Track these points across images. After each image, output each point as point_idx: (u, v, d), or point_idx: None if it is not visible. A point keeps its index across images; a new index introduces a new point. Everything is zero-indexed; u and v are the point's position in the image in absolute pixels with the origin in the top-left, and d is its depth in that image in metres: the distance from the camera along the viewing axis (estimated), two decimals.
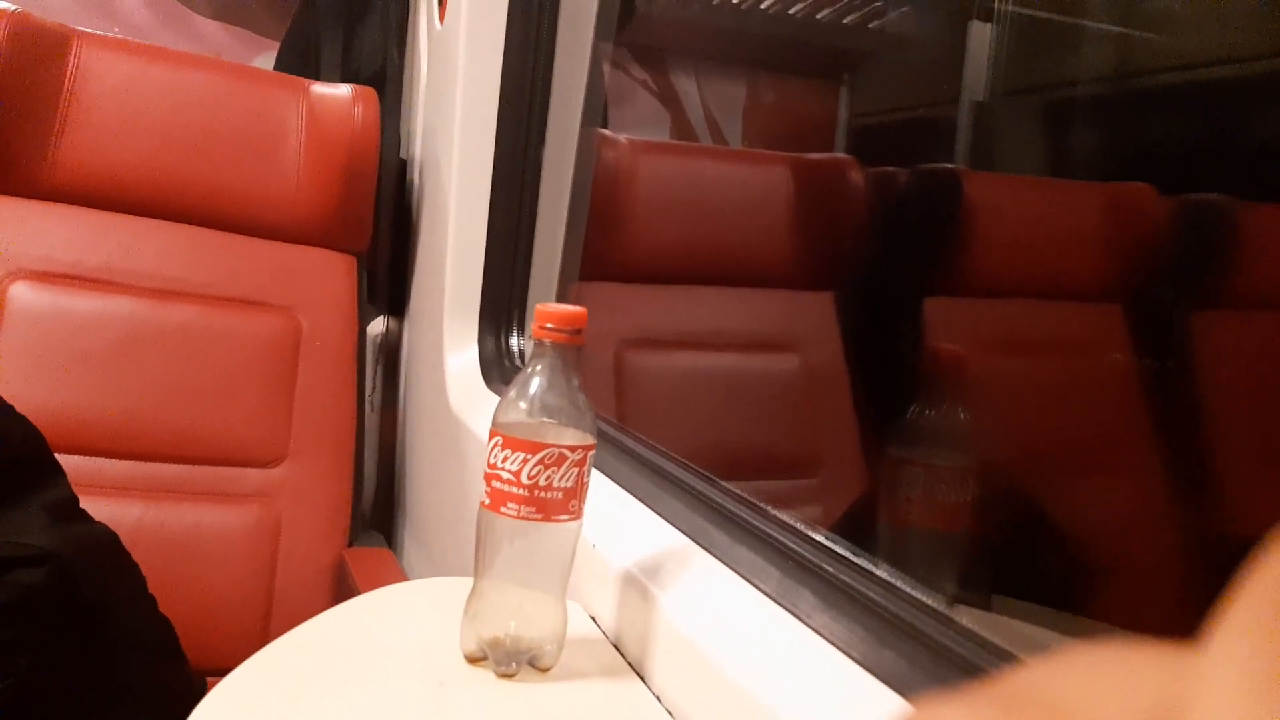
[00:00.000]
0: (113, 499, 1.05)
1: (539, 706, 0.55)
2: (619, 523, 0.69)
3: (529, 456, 0.55)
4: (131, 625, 0.81)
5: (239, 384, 1.15)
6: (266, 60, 1.75)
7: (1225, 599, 0.11)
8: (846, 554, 0.55)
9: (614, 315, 1.24)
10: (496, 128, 1.12)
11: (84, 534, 0.79)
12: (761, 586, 0.56)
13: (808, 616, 0.52)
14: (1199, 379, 0.93)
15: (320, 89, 1.28)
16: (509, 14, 1.10)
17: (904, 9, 1.72)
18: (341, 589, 1.11)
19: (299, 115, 1.25)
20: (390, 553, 1.18)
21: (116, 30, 1.69)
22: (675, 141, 1.93)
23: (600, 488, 0.74)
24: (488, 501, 0.56)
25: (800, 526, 0.60)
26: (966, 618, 0.48)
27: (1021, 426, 0.89)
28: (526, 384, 0.56)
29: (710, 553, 0.61)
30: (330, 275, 1.25)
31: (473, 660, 0.58)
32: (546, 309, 0.56)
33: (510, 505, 0.55)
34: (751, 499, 0.66)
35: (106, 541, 0.82)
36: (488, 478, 0.56)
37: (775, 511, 0.63)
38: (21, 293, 1.10)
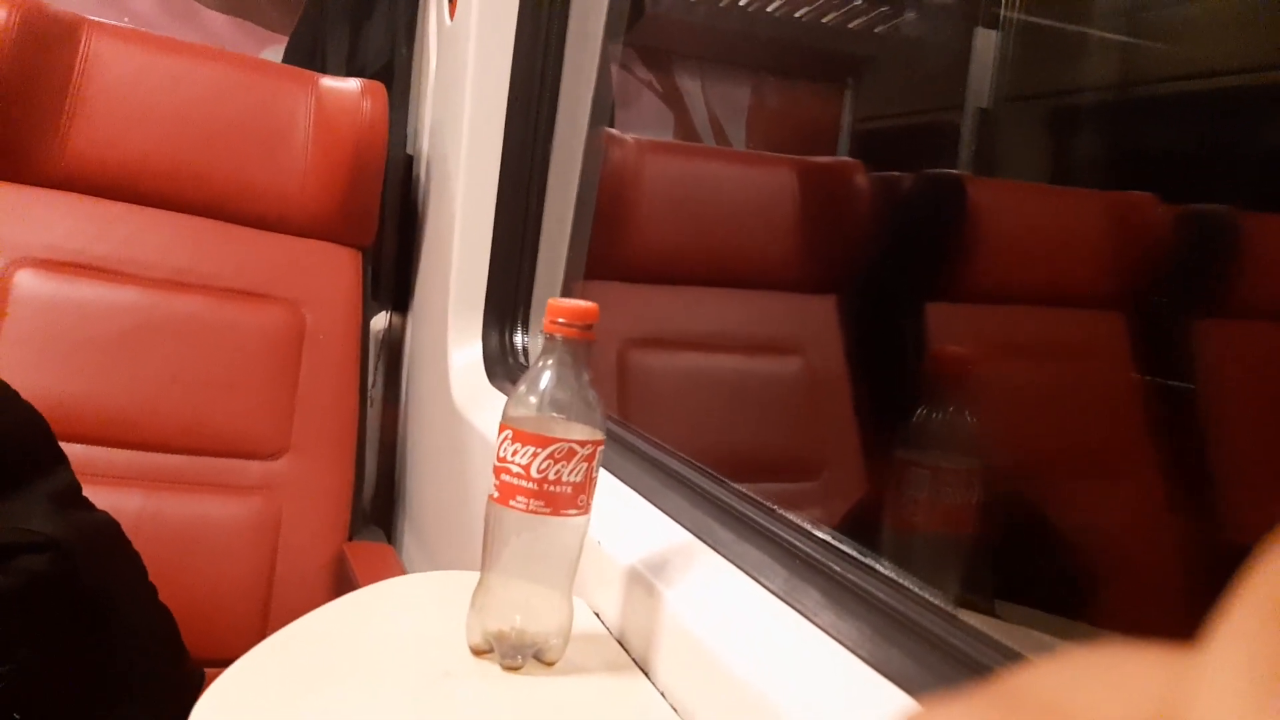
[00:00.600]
0: (114, 488, 1.05)
1: (544, 699, 0.55)
2: (624, 520, 0.70)
3: (539, 450, 0.55)
4: (132, 614, 0.81)
5: (242, 376, 1.15)
6: (274, 54, 1.75)
7: (1225, 601, 0.12)
8: (853, 553, 0.56)
9: (618, 315, 1.24)
10: (505, 125, 1.12)
11: (86, 522, 0.79)
12: (767, 584, 0.56)
13: (814, 614, 0.52)
14: (1201, 385, 0.93)
15: (329, 83, 1.28)
16: (519, 11, 1.10)
17: (909, 15, 1.72)
18: (341, 583, 1.11)
19: (307, 108, 1.25)
20: (390, 547, 1.18)
21: (126, 20, 1.69)
22: (682, 142, 1.93)
23: (606, 485, 0.74)
24: (496, 495, 0.56)
25: (807, 525, 0.60)
26: (970, 619, 0.48)
27: (1024, 431, 0.89)
28: (537, 378, 0.57)
29: (716, 550, 0.62)
30: (335, 269, 1.25)
31: (478, 653, 0.58)
32: (558, 303, 0.56)
33: (519, 499, 0.55)
34: (757, 497, 0.66)
35: (108, 530, 0.82)
36: (497, 471, 0.56)
37: (782, 510, 0.63)
38: (26, 280, 1.10)
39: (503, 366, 1.11)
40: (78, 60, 1.15)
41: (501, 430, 0.56)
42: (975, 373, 0.90)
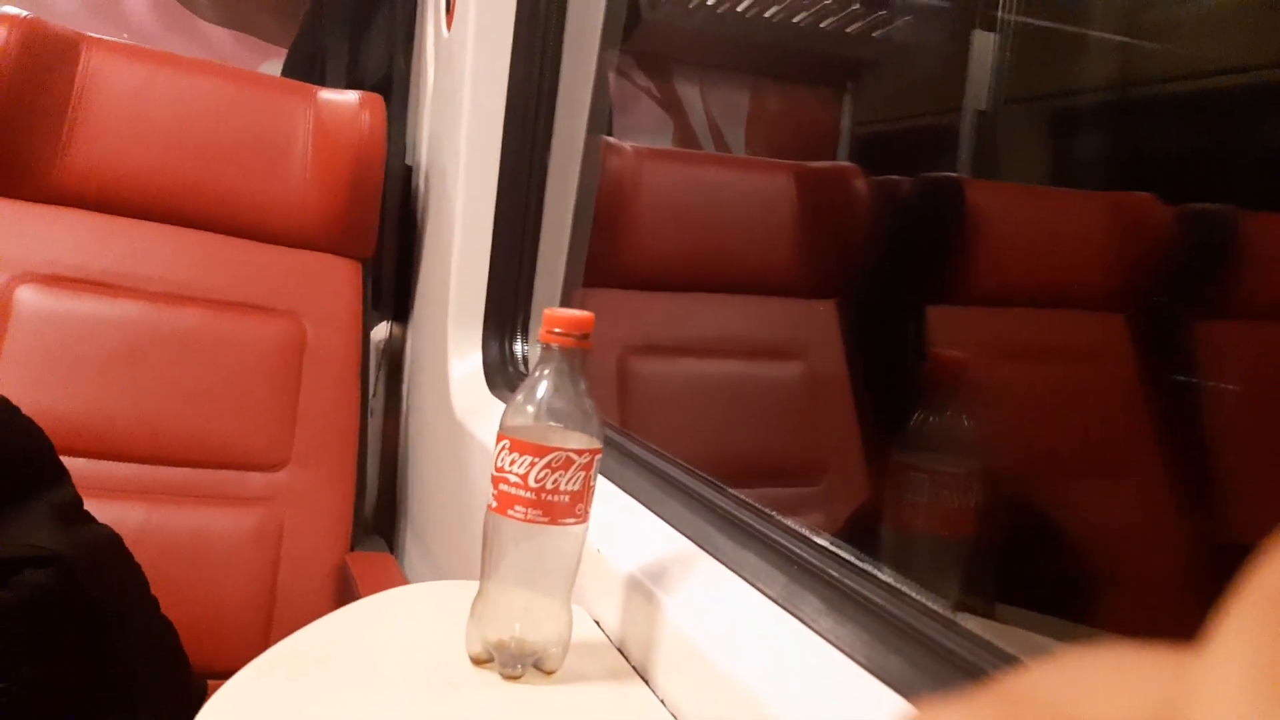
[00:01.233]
0: (117, 501, 1.05)
1: (544, 709, 0.55)
2: (623, 527, 0.70)
3: (536, 460, 0.55)
4: (134, 627, 0.81)
5: (243, 388, 1.15)
6: (273, 67, 1.75)
7: (1226, 601, 0.12)
8: (851, 559, 0.56)
9: (618, 322, 1.24)
10: (502, 134, 1.12)
11: (88, 536, 0.79)
12: (766, 591, 0.56)
13: (812, 620, 0.52)
14: (1202, 387, 0.93)
15: (327, 95, 1.28)
16: (516, 21, 1.11)
17: (907, 18, 1.72)
18: (343, 593, 1.11)
19: (306, 121, 1.25)
20: (392, 557, 1.19)
21: (125, 36, 1.70)
22: (679, 149, 1.94)
23: (605, 492, 0.74)
24: (494, 504, 0.56)
25: (805, 531, 0.60)
26: (971, 624, 0.48)
27: (1027, 433, 0.89)
28: (534, 388, 0.57)
29: (715, 557, 0.61)
30: (335, 281, 1.25)
31: (478, 662, 0.58)
32: (554, 313, 0.56)
33: (517, 508, 0.55)
34: (756, 504, 0.66)
35: (110, 543, 0.82)
36: (495, 480, 0.56)
37: (780, 517, 0.63)
38: (28, 296, 1.10)
39: (503, 375, 1.11)
40: (77, 76, 1.16)
41: (499, 439, 0.56)
42: (977, 376, 0.90)
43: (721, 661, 0.51)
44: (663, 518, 0.69)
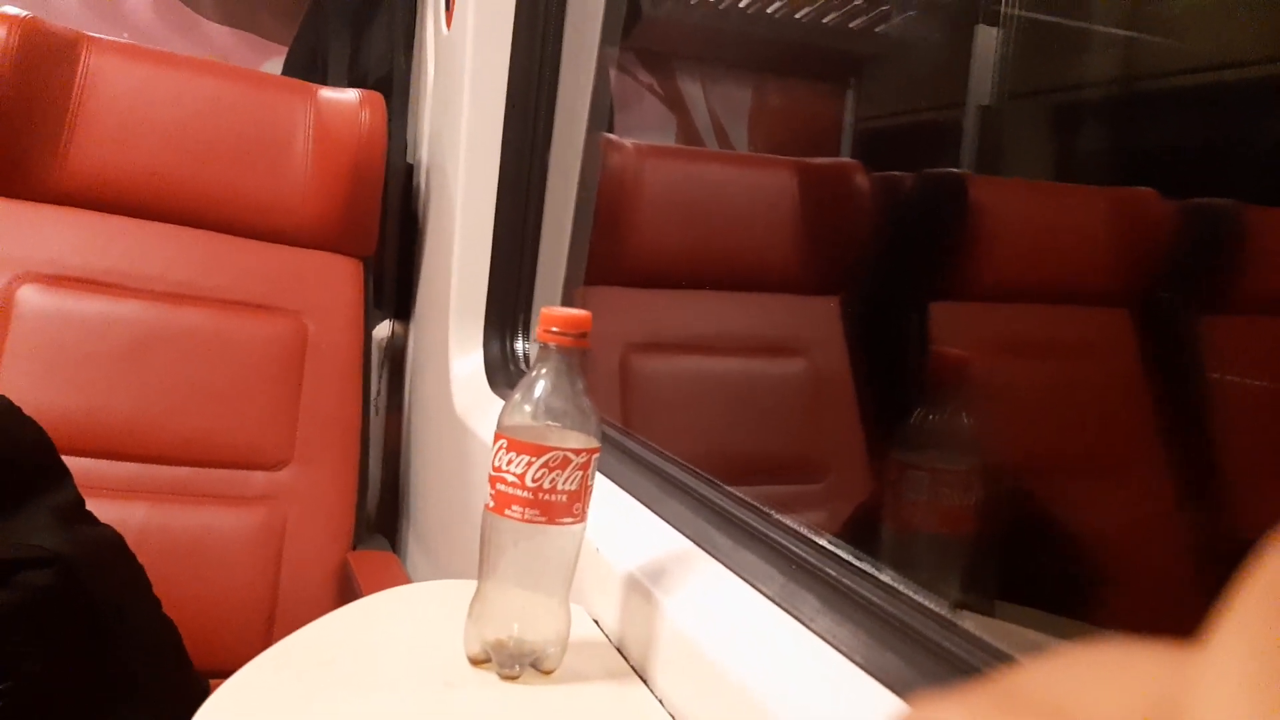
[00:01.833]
0: (119, 501, 1.05)
1: (543, 709, 0.55)
2: (622, 526, 0.69)
3: (533, 459, 0.55)
4: (136, 626, 0.81)
5: (245, 387, 1.15)
6: (274, 65, 1.75)
7: (1227, 597, 0.11)
8: (849, 558, 0.55)
9: (620, 319, 1.24)
10: (503, 132, 1.12)
11: (90, 536, 0.79)
12: (764, 590, 0.56)
13: (810, 620, 0.52)
14: (1204, 383, 0.92)
15: (328, 94, 1.28)
16: (515, 19, 1.10)
17: (910, 13, 1.72)
18: (346, 592, 1.11)
19: (307, 120, 1.25)
20: (394, 556, 1.19)
21: (125, 35, 1.70)
22: (681, 146, 1.93)
23: (603, 491, 0.74)
24: (492, 504, 0.56)
25: (803, 530, 0.60)
26: (970, 623, 0.47)
27: (1027, 431, 0.88)
28: (531, 387, 0.57)
29: (713, 556, 0.61)
30: (337, 279, 1.25)
31: (476, 662, 0.58)
32: (551, 312, 0.56)
33: (514, 508, 0.55)
34: (754, 503, 0.66)
35: (112, 543, 0.82)
36: (492, 480, 0.56)
37: (778, 515, 0.63)
38: (30, 296, 1.10)
39: (504, 374, 1.11)
40: (78, 76, 1.16)
41: (496, 439, 0.56)
42: (979, 373, 0.89)
43: (720, 661, 0.51)
44: (662, 516, 0.69)
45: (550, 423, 0.56)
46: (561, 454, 0.55)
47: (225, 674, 0.57)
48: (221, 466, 1.12)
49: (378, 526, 1.39)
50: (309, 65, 1.59)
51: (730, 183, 1.34)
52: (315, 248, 1.25)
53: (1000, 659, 0.44)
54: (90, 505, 0.82)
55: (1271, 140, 0.80)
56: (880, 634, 0.48)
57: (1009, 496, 0.82)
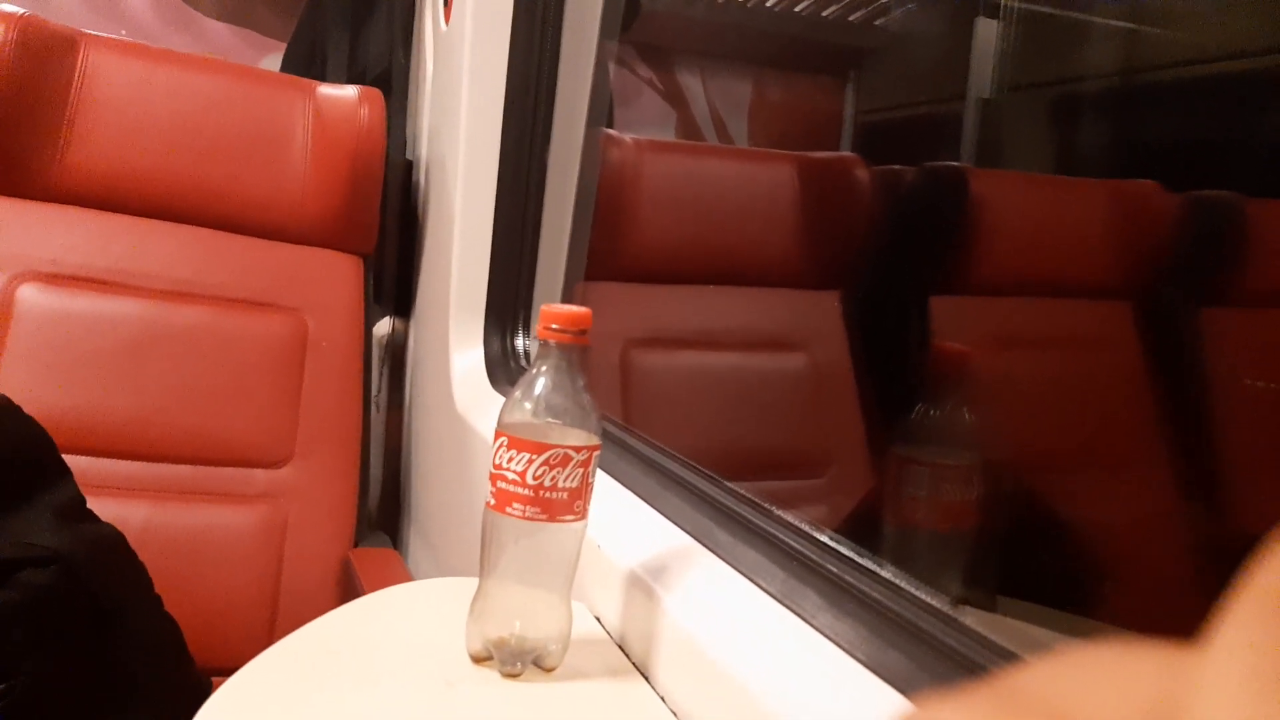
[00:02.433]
0: (120, 499, 1.05)
1: (544, 706, 0.55)
2: (623, 523, 0.69)
3: (534, 457, 0.55)
4: (137, 625, 0.81)
5: (246, 385, 1.15)
6: (273, 62, 1.75)
7: (1227, 597, 0.11)
8: (851, 554, 0.55)
9: (620, 315, 1.24)
10: (502, 128, 1.12)
11: (91, 534, 0.79)
12: (766, 587, 0.56)
13: (812, 617, 0.52)
14: (1207, 377, 0.92)
15: (326, 90, 1.28)
16: (514, 14, 1.10)
17: (910, 5, 1.71)
18: (347, 589, 1.11)
19: (305, 117, 1.25)
20: (396, 553, 1.19)
21: (124, 33, 1.70)
22: (680, 141, 1.93)
23: (604, 488, 0.74)
24: (493, 502, 0.56)
25: (805, 527, 0.60)
26: (971, 619, 0.47)
27: (1029, 425, 0.88)
28: (531, 384, 0.56)
29: (715, 553, 0.61)
30: (337, 276, 1.25)
31: (478, 660, 0.58)
32: (551, 309, 0.56)
33: (515, 505, 0.55)
34: (756, 499, 0.66)
35: (113, 542, 0.82)
36: (493, 478, 0.56)
37: (780, 512, 0.63)
38: (30, 294, 1.10)
39: (505, 370, 1.11)
40: (76, 74, 1.16)
41: (497, 437, 0.56)
42: (980, 367, 0.89)
43: (721, 658, 0.51)
44: (663, 513, 0.69)
45: (551, 420, 0.56)
46: (562, 451, 0.55)
47: (227, 672, 0.57)
48: (222, 464, 1.12)
49: (379, 524, 1.40)
50: (307, 62, 1.59)
51: (730, 177, 1.33)
52: (315, 245, 1.25)
53: (1003, 656, 0.44)
54: (91, 504, 0.82)
55: (1273, 132, 0.80)
56: (882, 630, 0.48)
57: (1010, 492, 0.82)
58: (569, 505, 0.56)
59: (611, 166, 1.24)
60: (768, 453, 1.24)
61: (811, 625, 0.51)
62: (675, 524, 0.67)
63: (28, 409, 0.80)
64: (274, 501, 1.13)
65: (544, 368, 0.56)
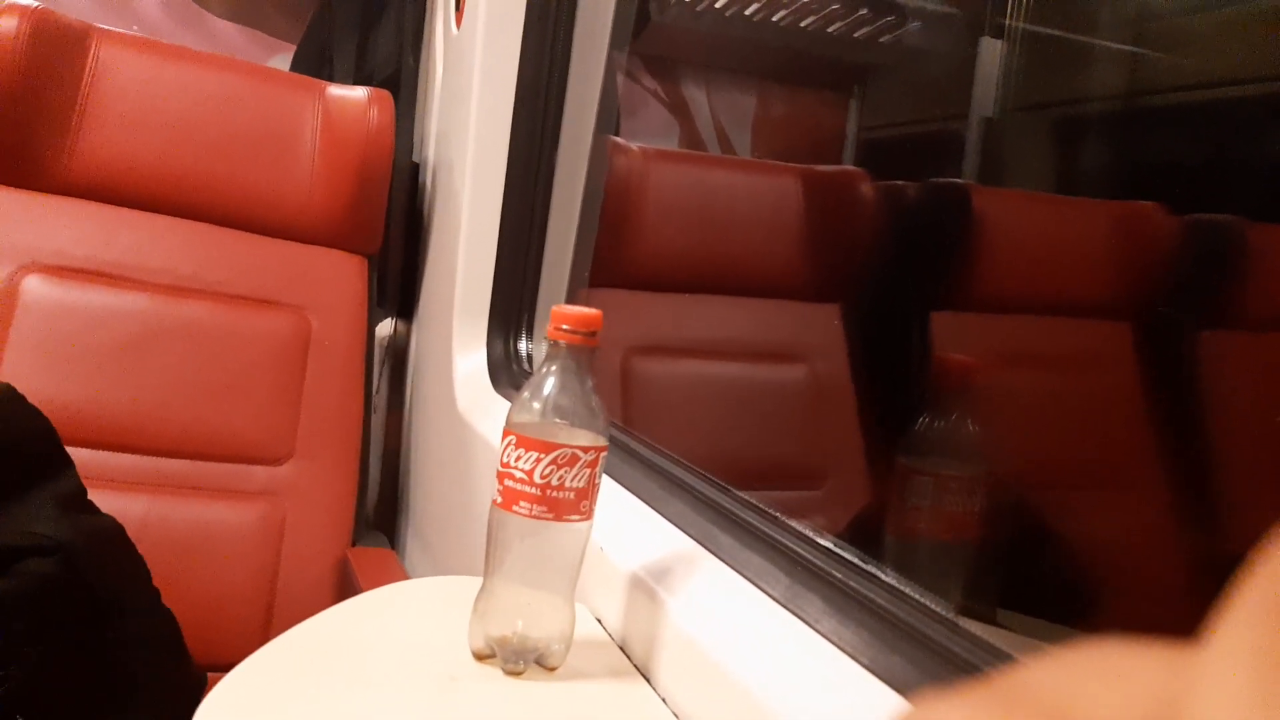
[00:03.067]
0: (120, 492, 1.05)
1: (546, 705, 0.55)
2: (626, 526, 0.70)
3: (542, 456, 0.55)
4: (136, 617, 0.81)
5: (248, 382, 1.15)
6: (281, 62, 1.76)
7: (1225, 598, 0.12)
8: (855, 560, 0.56)
9: (622, 322, 1.24)
10: (510, 132, 1.12)
11: (91, 525, 0.79)
12: (769, 591, 0.56)
13: (815, 621, 0.52)
14: (1205, 398, 0.93)
15: (336, 91, 1.29)
16: (526, 20, 1.11)
17: (915, 24, 1.72)
18: (344, 588, 1.11)
19: (314, 116, 1.26)
20: (393, 553, 1.19)
21: (135, 29, 1.71)
22: (686, 150, 1.94)
23: (608, 491, 0.74)
24: (500, 500, 0.56)
25: (808, 532, 0.60)
26: (973, 629, 0.48)
27: (1029, 440, 0.89)
28: (540, 384, 0.57)
29: (717, 557, 0.62)
30: (341, 276, 1.25)
31: (480, 657, 0.58)
32: (562, 310, 0.56)
33: (522, 504, 0.55)
34: (759, 504, 0.66)
35: (113, 534, 0.82)
36: (500, 476, 0.56)
37: (784, 517, 0.63)
38: (35, 286, 1.10)
39: (507, 373, 1.11)
40: (87, 68, 1.16)
41: (505, 435, 0.56)
42: (981, 381, 0.90)
43: (723, 661, 0.52)
44: (666, 517, 0.69)
45: (559, 420, 0.56)
46: (570, 451, 0.55)
47: (224, 668, 0.57)
48: (222, 460, 1.12)
49: (377, 524, 1.39)
50: (317, 62, 1.59)
51: (735, 188, 1.34)
52: (320, 244, 1.26)
53: (1005, 660, 0.44)
54: (92, 496, 0.82)
55: (1275, 156, 0.81)
56: (886, 636, 0.48)
57: (1011, 504, 0.82)
58: (575, 505, 0.56)
59: (618, 174, 1.24)
60: (765, 463, 1.24)
61: (815, 630, 0.51)
62: (678, 528, 0.67)
63: (31, 399, 0.80)
64: (273, 499, 1.13)
65: (553, 368, 0.57)
